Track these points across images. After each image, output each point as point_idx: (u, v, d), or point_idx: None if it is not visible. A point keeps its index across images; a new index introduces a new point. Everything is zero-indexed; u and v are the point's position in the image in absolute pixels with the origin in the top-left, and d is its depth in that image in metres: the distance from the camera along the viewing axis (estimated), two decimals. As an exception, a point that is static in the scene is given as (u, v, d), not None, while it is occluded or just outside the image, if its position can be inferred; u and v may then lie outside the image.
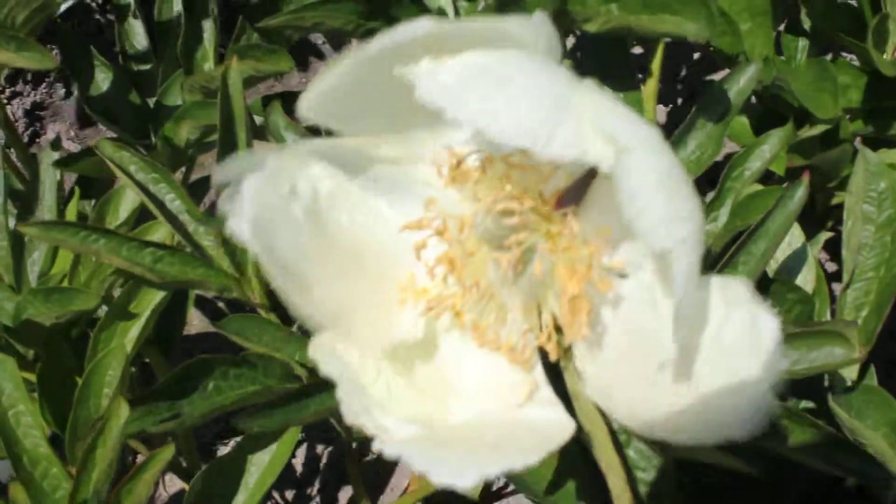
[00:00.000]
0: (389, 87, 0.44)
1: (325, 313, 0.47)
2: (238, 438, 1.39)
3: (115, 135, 1.15)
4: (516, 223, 0.46)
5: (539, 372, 0.49)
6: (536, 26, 0.42)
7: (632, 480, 0.48)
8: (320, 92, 0.45)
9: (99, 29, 1.77)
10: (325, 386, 0.59)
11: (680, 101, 1.63)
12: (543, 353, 0.48)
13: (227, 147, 0.82)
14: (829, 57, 1.13)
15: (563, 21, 0.88)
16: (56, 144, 1.08)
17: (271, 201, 0.47)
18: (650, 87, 1.10)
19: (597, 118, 0.39)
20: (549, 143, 0.38)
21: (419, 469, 0.40)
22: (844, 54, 1.22)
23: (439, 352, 0.50)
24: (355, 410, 0.43)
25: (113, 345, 0.92)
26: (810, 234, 1.00)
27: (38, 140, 1.72)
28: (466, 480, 0.39)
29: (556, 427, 0.45)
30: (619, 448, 0.49)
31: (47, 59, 0.92)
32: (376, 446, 0.41)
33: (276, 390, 0.80)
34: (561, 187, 0.47)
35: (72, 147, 1.71)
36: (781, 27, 1.16)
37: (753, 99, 1.12)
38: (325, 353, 0.46)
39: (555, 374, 0.49)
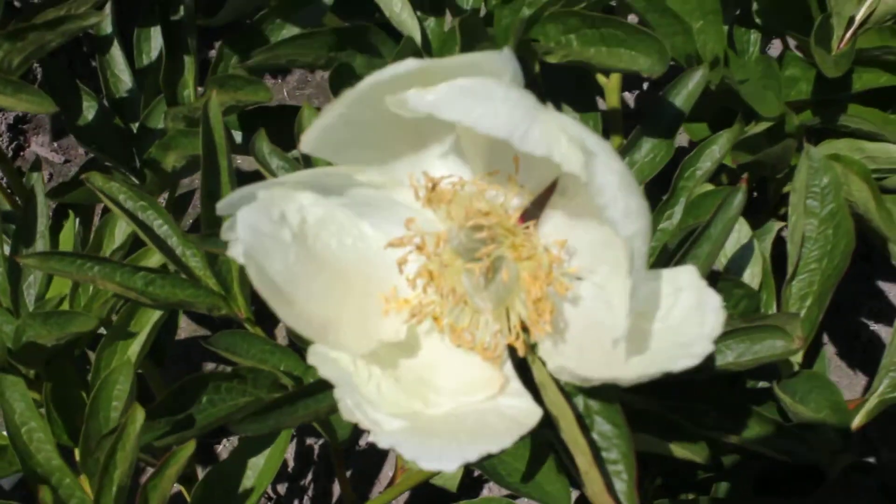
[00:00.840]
0: (377, 121, 0.52)
1: (315, 327, 0.54)
2: (229, 438, 1.46)
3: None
4: (485, 237, 0.53)
5: (509, 367, 0.56)
6: (505, 60, 0.49)
7: (598, 458, 0.55)
8: (320, 128, 0.53)
9: (77, 42, 1.79)
10: (310, 392, 0.65)
11: (645, 86, 1.69)
12: (513, 351, 0.55)
13: (211, 174, 0.88)
14: (780, 48, 1.17)
15: (526, 52, 0.94)
16: (37, 165, 1.12)
17: (263, 227, 0.54)
18: (615, 76, 1.15)
19: (565, 127, 0.47)
20: (525, 138, 0.45)
21: (409, 457, 0.47)
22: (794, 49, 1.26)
23: (421, 353, 0.57)
24: (350, 407, 0.50)
25: (115, 362, 0.98)
26: (763, 222, 1.06)
27: (22, 153, 1.76)
28: (450, 465, 0.46)
29: (525, 414, 0.52)
30: (586, 431, 0.55)
31: (46, 102, 0.96)
32: (371, 438, 0.48)
33: (266, 400, 0.86)
34: (523, 206, 0.54)
35: (55, 158, 1.74)
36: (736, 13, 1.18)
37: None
38: (321, 359, 0.52)
39: (523, 369, 0.56)
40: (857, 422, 0.88)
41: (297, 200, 0.56)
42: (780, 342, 0.75)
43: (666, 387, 0.76)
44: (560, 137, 0.46)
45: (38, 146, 1.76)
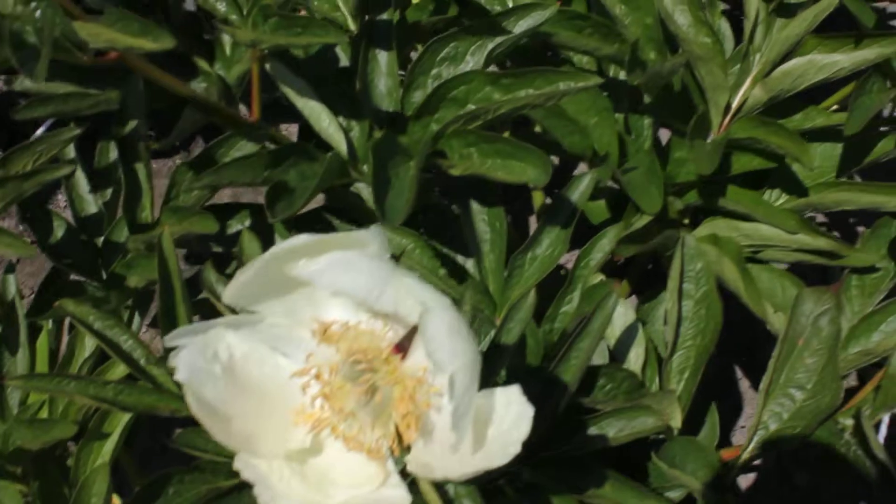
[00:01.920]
0: (280, 277, 0.71)
1: (240, 440, 0.73)
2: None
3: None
4: (364, 367, 0.72)
5: (391, 464, 0.74)
6: (373, 234, 0.68)
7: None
8: (238, 284, 0.72)
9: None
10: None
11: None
12: (392, 451, 0.74)
13: (166, 295, 1.05)
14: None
15: (434, 164, 1.11)
16: (11, 268, 1.27)
17: (198, 364, 0.72)
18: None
19: (410, 289, 0.66)
20: (378, 300, 0.64)
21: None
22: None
23: (323, 455, 0.76)
24: (267, 501, 0.68)
25: (92, 461, 1.15)
26: (658, 293, 1.25)
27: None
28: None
29: (399, 500, 0.71)
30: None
31: (29, 248, 1.11)
32: None
33: (224, 486, 1.02)
34: (394, 341, 0.73)
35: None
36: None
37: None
38: (244, 465, 0.70)
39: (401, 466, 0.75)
40: (732, 475, 1.03)
41: (226, 340, 0.74)
42: (650, 420, 0.93)
43: (555, 463, 0.95)
44: (406, 298, 0.65)
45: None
